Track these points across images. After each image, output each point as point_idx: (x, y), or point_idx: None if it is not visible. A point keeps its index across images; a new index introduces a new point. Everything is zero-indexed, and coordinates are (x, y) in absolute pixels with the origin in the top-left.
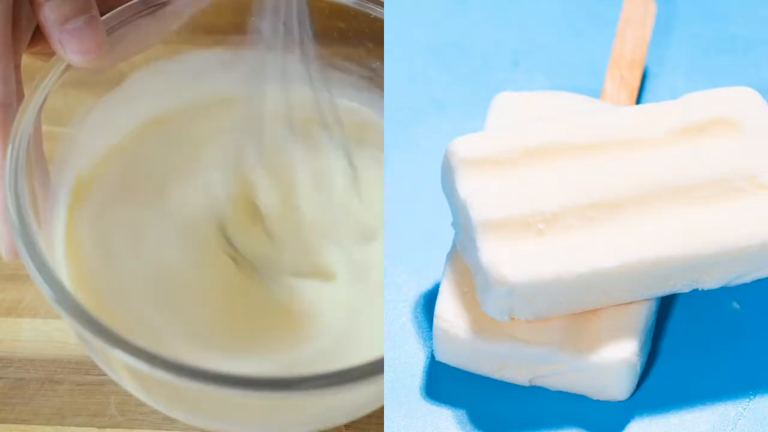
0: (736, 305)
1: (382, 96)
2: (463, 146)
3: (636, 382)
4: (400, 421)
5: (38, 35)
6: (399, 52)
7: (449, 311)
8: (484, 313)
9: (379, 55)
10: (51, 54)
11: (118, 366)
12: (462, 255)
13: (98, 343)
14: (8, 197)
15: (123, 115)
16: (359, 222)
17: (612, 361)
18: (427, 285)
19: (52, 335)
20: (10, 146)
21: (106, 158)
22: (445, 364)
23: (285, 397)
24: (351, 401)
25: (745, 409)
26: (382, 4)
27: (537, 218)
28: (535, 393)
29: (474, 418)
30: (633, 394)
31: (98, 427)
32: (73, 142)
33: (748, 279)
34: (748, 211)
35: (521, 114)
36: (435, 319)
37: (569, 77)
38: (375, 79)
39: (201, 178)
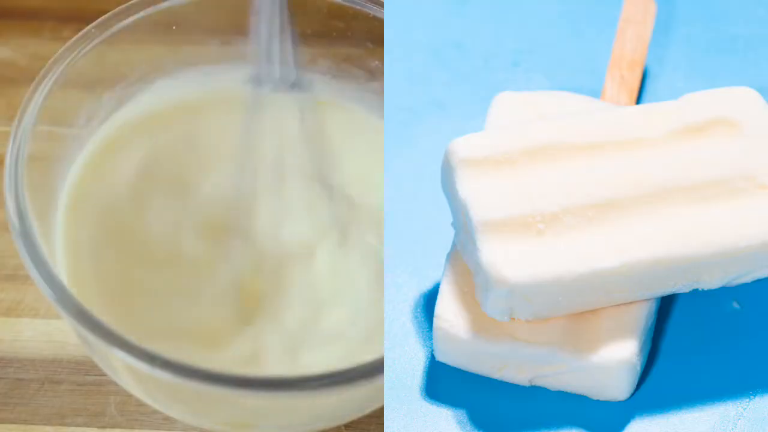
0: (736, 305)
1: (382, 96)
2: (463, 146)
3: (636, 382)
4: (400, 421)
5: None
6: (399, 52)
7: (449, 311)
8: (484, 313)
9: (379, 55)
10: None
11: (118, 366)
12: (462, 255)
13: (98, 343)
14: (8, 197)
15: (122, 116)
16: (354, 222)
17: (612, 361)
18: (427, 285)
19: (52, 335)
20: (10, 146)
21: (103, 157)
22: (445, 364)
23: (285, 397)
24: (351, 401)
25: (745, 409)
26: (382, 4)
27: (537, 218)
28: (535, 393)
29: (474, 418)
30: (633, 394)
31: (98, 427)
32: (74, 142)
33: (748, 279)
34: (748, 211)
35: (521, 114)
36: (435, 319)
37: (569, 77)
38: (375, 79)
39: (192, 179)
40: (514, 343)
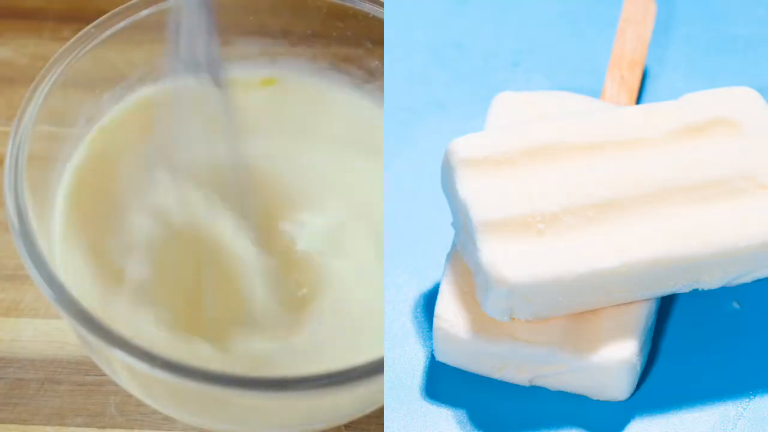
0: (736, 305)
1: (381, 96)
2: (463, 146)
3: (636, 382)
4: (400, 421)
5: None
6: (399, 52)
7: (449, 311)
8: (484, 313)
9: (379, 55)
10: None
11: (118, 366)
12: (462, 255)
13: (98, 343)
14: (8, 197)
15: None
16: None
17: (612, 361)
18: (427, 285)
19: (52, 335)
20: (10, 146)
21: (104, 157)
22: (445, 364)
23: (285, 397)
24: (351, 401)
25: (745, 409)
26: (382, 4)
27: (537, 218)
28: (535, 393)
29: (474, 418)
30: (633, 394)
31: (98, 427)
32: (74, 142)
33: (748, 279)
34: (748, 211)
35: (521, 114)
36: (435, 319)
37: (569, 77)
38: (375, 79)
39: (193, 179)
40: (514, 343)
